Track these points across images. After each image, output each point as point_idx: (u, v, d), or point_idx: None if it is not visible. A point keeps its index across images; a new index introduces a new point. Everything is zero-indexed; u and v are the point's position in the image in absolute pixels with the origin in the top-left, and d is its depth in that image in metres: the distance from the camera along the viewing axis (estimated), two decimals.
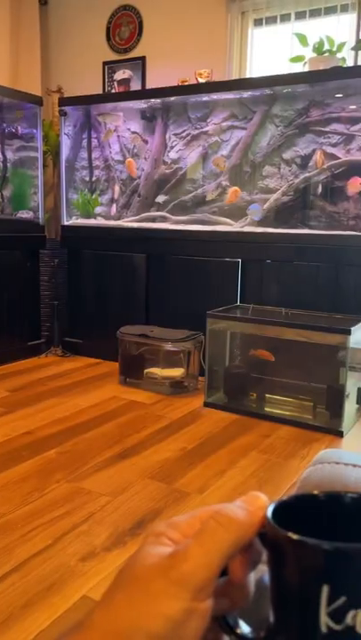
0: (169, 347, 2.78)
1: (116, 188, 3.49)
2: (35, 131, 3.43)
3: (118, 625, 0.31)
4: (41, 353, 3.45)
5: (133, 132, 3.41)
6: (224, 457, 2.03)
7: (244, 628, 0.34)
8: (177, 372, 2.83)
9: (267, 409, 2.54)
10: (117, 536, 1.50)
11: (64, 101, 3.44)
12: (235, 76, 3.37)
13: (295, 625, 0.32)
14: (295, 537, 0.30)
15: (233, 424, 2.38)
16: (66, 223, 3.51)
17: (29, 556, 1.39)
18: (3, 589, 1.27)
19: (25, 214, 3.49)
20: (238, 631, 0.34)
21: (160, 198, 3.36)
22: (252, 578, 0.35)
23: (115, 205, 3.53)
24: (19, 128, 3.44)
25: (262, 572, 0.36)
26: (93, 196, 3.60)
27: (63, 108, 3.39)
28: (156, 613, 0.31)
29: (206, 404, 2.58)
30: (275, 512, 0.33)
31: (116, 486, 1.79)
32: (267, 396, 2.60)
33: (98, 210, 3.58)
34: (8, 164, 3.48)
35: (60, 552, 1.42)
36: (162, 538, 0.35)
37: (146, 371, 2.87)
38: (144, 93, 3.45)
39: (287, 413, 2.47)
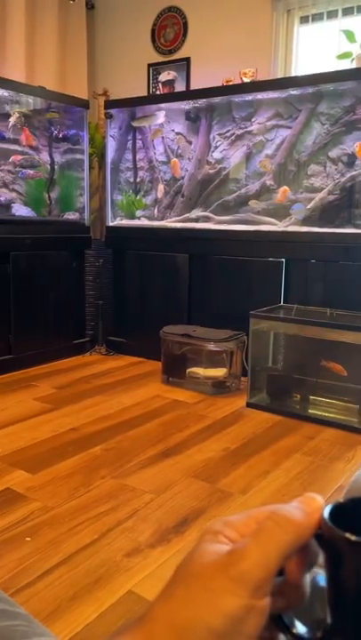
0: (211, 346, 2.79)
1: (160, 189, 3.52)
2: (81, 133, 3.50)
3: (180, 619, 0.32)
4: (85, 351, 3.52)
5: (178, 133, 3.44)
6: (267, 458, 2.02)
7: (300, 628, 0.35)
8: (219, 372, 2.83)
9: (311, 411, 2.51)
10: (161, 533, 1.52)
11: (110, 104, 3.49)
12: (280, 75, 3.34)
13: (352, 626, 0.32)
14: (353, 538, 0.31)
15: (276, 425, 2.36)
16: (110, 224, 3.57)
17: (76, 550, 1.43)
18: (51, 581, 1.31)
19: (71, 216, 3.56)
20: (294, 631, 0.34)
21: (203, 198, 3.37)
22: (308, 579, 0.35)
23: (158, 206, 3.56)
24: (61, 130, 3.51)
25: (315, 573, 0.36)
26: (137, 197, 3.64)
27: (109, 110, 3.44)
28: (217, 609, 0.32)
29: (249, 405, 2.58)
30: (330, 514, 0.33)
31: (160, 484, 1.81)
32: (311, 397, 2.57)
33: (141, 211, 3.62)
34: (55, 167, 3.56)
35: (106, 547, 1.45)
36: (219, 536, 0.36)
37: (188, 370, 2.88)
38: (188, 94, 3.46)
39: (332, 416, 2.44)
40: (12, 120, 3.18)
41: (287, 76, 3.33)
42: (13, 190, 3.32)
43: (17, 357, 3.11)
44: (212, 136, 3.32)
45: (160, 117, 3.38)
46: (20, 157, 3.29)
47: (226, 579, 0.33)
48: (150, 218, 3.58)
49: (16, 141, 3.30)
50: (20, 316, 3.12)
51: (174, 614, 0.33)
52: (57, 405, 2.56)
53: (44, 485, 1.78)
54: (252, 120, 3.16)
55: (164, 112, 3.38)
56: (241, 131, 3.20)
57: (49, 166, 3.53)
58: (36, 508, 1.63)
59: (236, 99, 3.15)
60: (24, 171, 3.29)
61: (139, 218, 3.60)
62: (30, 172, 3.30)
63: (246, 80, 3.17)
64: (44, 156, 3.48)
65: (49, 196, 3.54)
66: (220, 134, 3.29)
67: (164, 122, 3.43)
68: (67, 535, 1.50)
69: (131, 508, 1.65)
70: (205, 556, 0.35)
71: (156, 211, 3.56)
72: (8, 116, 3.22)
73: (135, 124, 3.49)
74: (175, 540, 1.49)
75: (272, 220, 3.07)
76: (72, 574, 1.33)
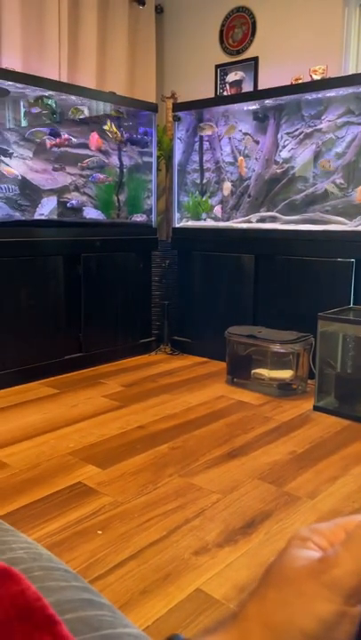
0: (277, 348, 2.77)
1: (227, 187, 3.52)
2: (149, 137, 3.56)
3: (273, 620, 0.34)
4: (151, 350, 3.58)
5: (245, 134, 3.43)
6: (336, 463, 1.98)
7: None
8: (285, 374, 2.80)
9: None
10: (228, 534, 1.53)
11: (178, 107, 3.53)
12: (351, 71, 3.26)
13: None
14: None
15: (345, 430, 2.31)
16: (177, 225, 3.61)
17: (146, 545, 1.47)
18: (122, 574, 1.35)
19: (139, 218, 3.64)
20: None
21: (270, 198, 3.34)
22: None
23: (224, 206, 3.57)
24: (129, 134, 3.58)
25: None
26: (204, 198, 3.67)
27: (177, 113, 3.49)
28: (310, 614, 0.33)
29: (316, 408, 2.54)
30: None
31: (226, 484, 1.82)
32: None
33: (205, 214, 3.64)
34: (124, 170, 3.65)
35: (174, 544, 1.48)
36: (308, 542, 0.37)
37: (253, 371, 2.87)
38: (257, 94, 3.44)
39: None
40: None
41: (359, 72, 3.24)
42: (84, 194, 3.42)
43: (86, 355, 3.21)
44: (280, 135, 3.29)
45: (214, 128, 3.41)
46: (87, 160, 3.39)
47: (319, 584, 0.33)
48: (216, 219, 3.60)
49: (87, 146, 3.41)
50: (90, 316, 3.23)
51: (268, 615, 0.34)
52: (124, 403, 2.62)
53: (114, 481, 1.84)
54: (322, 118, 3.10)
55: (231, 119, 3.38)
56: (310, 129, 3.15)
57: (118, 170, 3.62)
58: (106, 503, 1.69)
59: (306, 97, 3.10)
60: (95, 175, 3.39)
61: (205, 219, 3.62)
62: (101, 176, 3.39)
63: (316, 77, 3.12)
64: (114, 160, 3.57)
65: (118, 199, 3.63)
66: (288, 133, 3.25)
67: (232, 122, 3.42)
68: (136, 530, 1.54)
69: (198, 507, 1.68)
70: (296, 561, 0.36)
71: (219, 209, 3.55)
72: (79, 122, 3.33)
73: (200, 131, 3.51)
74: (242, 541, 1.50)
75: (341, 219, 3.00)
76: (142, 569, 1.37)
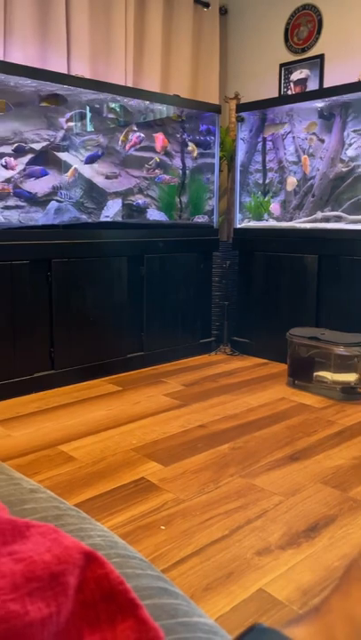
0: (341, 350, 2.71)
1: (290, 185, 3.49)
2: (212, 138, 3.58)
3: (356, 613, 0.35)
4: (211, 351, 3.60)
5: (312, 133, 3.38)
6: None
7: None
8: (350, 378, 2.74)
9: None
10: (291, 536, 1.52)
11: (242, 107, 3.53)
12: None
13: None
14: None
15: None
16: (238, 226, 3.61)
17: (208, 543, 1.48)
18: (185, 570, 1.37)
19: (200, 219, 3.66)
20: None
21: (335, 197, 3.28)
22: None
23: (287, 206, 3.53)
24: (192, 135, 3.61)
25: None
26: (266, 199, 3.65)
27: (240, 114, 3.48)
28: None
29: None
30: None
31: (288, 487, 1.81)
32: None
33: (267, 214, 3.62)
34: (186, 172, 3.68)
35: (237, 543, 1.49)
36: None
37: (315, 374, 2.83)
38: (322, 92, 3.38)
39: None
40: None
41: None
42: (147, 196, 3.49)
43: (148, 354, 3.27)
44: (345, 133, 3.22)
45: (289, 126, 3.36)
46: (152, 162, 3.46)
47: None
48: (279, 219, 3.57)
49: (150, 149, 3.47)
50: (152, 315, 3.28)
51: (351, 609, 0.35)
52: (185, 402, 2.65)
53: (176, 478, 1.87)
54: None
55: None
56: None
57: (180, 171, 3.66)
58: (169, 499, 1.72)
59: None
60: (161, 176, 3.45)
61: (266, 219, 3.60)
62: (166, 176, 3.45)
63: None
64: (177, 162, 3.61)
65: (180, 201, 3.67)
66: (355, 131, 3.18)
67: (296, 121, 3.39)
68: (198, 528, 1.56)
69: (260, 508, 1.68)
70: None
71: (276, 207, 3.51)
72: (144, 125, 3.39)
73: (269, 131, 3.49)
74: (305, 544, 1.49)
75: None
76: (204, 566, 1.39)
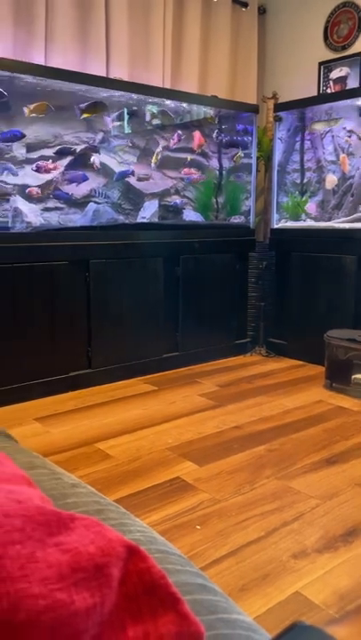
0: None
1: (330, 183, 3.44)
2: (249, 138, 3.57)
3: None
4: (246, 352, 3.58)
5: (349, 131, 3.33)
6: None
7: None
8: None
9: None
10: (328, 540, 1.50)
11: (280, 106, 3.50)
12: None
13: None
14: None
15: None
16: (275, 226, 3.58)
17: (244, 544, 1.48)
18: (221, 570, 1.38)
19: (237, 219, 3.65)
20: None
21: None
22: None
23: (325, 205, 3.48)
24: (229, 136, 3.61)
25: None
26: (303, 199, 3.61)
27: (278, 113, 3.46)
28: None
29: None
30: None
31: (325, 490, 1.78)
32: None
33: (304, 215, 3.58)
34: (223, 172, 3.68)
35: (273, 545, 1.48)
36: None
37: (353, 377, 2.78)
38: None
39: None
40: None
41: None
42: (184, 197, 3.50)
43: (183, 354, 3.28)
44: None
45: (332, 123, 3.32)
46: (187, 162, 3.48)
47: None
48: (316, 219, 3.52)
49: (187, 150, 3.48)
50: (187, 316, 3.29)
51: None
52: (220, 402, 2.65)
53: (211, 478, 1.87)
54: None
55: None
56: None
57: (217, 172, 3.66)
58: (204, 499, 1.72)
59: None
60: (190, 176, 3.46)
61: (304, 220, 3.56)
62: (195, 175, 3.45)
63: None
64: (214, 163, 3.62)
65: (216, 201, 3.67)
66: None
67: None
68: (234, 528, 1.56)
69: (296, 510, 1.66)
70: None
71: (313, 206, 3.47)
72: (183, 126, 3.41)
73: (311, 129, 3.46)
74: (343, 548, 1.47)
75: None
76: (240, 566, 1.39)
